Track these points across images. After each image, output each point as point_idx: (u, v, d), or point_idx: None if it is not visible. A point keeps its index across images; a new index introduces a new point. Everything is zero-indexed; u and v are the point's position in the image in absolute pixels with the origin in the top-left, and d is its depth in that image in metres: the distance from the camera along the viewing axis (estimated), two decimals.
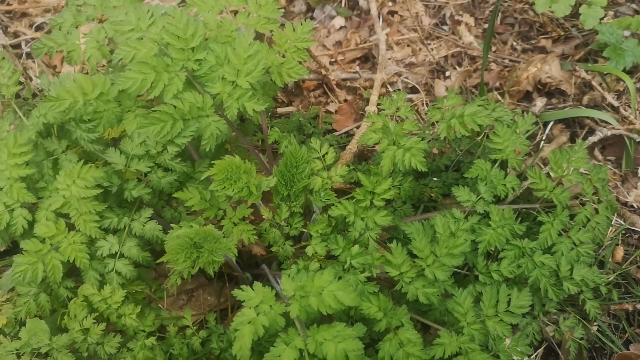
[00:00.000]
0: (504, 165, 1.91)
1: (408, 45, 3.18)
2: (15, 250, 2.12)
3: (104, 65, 2.93)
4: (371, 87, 2.92)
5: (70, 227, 1.78)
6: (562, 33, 3.13)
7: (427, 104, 2.88)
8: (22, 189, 1.77)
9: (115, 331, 1.81)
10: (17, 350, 1.72)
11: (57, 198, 1.76)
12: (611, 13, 3.10)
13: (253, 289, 1.44)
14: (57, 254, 1.75)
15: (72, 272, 1.84)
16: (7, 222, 1.76)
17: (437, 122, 1.92)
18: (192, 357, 1.81)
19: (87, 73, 2.68)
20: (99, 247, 1.81)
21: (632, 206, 2.43)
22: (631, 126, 2.56)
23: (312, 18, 3.38)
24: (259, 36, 2.22)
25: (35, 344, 1.72)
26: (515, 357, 1.65)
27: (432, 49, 3.15)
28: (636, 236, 2.33)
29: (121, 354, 1.78)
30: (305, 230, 1.83)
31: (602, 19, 2.82)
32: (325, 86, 3.00)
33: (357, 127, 2.76)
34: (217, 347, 1.79)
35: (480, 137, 2.37)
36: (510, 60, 3.03)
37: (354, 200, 1.79)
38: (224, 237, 1.64)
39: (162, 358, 1.75)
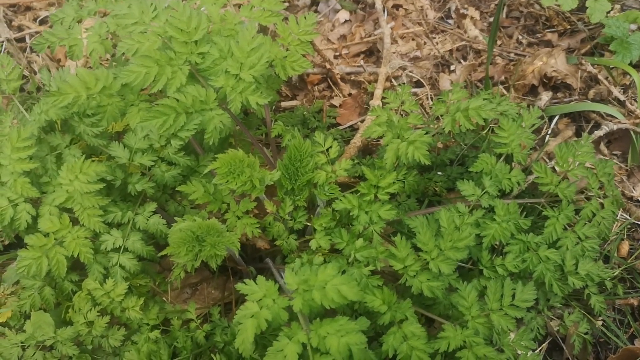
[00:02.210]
0: (509, 159, 1.90)
1: (413, 39, 3.16)
2: (19, 244, 2.13)
3: (107, 59, 2.93)
4: (375, 81, 2.90)
5: (74, 221, 1.79)
6: (568, 27, 3.11)
7: (431, 98, 2.87)
8: (26, 183, 1.77)
9: (120, 324, 1.82)
10: (22, 342, 1.72)
11: (60, 193, 1.76)
12: (617, 6, 3.08)
13: (256, 283, 1.44)
14: (61, 249, 1.75)
15: (77, 265, 1.84)
16: (11, 217, 1.76)
17: (441, 115, 1.92)
18: (196, 350, 1.81)
19: (90, 67, 2.68)
20: (103, 242, 1.81)
21: (637, 201, 2.42)
22: (637, 120, 2.54)
23: (316, 11, 3.37)
24: (262, 29, 2.22)
25: (40, 337, 1.73)
26: (519, 351, 1.64)
27: (437, 43, 3.13)
28: None
29: (125, 347, 1.78)
30: (309, 224, 1.83)
31: (608, 12, 2.80)
32: (329, 80, 2.99)
33: (362, 121, 2.75)
34: (221, 340, 1.79)
35: (485, 131, 2.36)
36: (516, 54, 3.01)
37: (358, 194, 1.78)
38: (227, 230, 1.63)
39: (166, 351, 1.75)
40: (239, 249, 1.71)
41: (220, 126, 1.73)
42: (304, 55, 1.96)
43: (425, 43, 3.14)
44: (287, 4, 3.31)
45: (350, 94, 2.93)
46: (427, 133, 1.81)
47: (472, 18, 3.21)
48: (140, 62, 1.69)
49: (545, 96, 2.71)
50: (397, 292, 1.63)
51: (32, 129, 1.80)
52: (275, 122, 2.03)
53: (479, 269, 1.77)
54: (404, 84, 2.94)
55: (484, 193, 1.82)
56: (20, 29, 3.31)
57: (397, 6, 3.33)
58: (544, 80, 2.80)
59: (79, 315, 1.76)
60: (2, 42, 3.10)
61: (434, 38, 3.16)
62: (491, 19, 3.24)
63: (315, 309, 1.39)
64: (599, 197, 1.93)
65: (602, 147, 2.60)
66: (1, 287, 1.94)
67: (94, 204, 1.77)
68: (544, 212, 1.85)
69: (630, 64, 2.67)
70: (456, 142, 2.37)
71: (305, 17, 1.97)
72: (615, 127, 2.53)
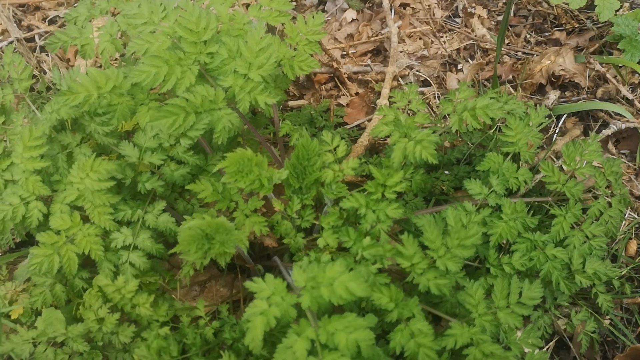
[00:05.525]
0: (516, 158, 1.90)
1: (420, 38, 3.16)
2: (30, 241, 2.15)
3: (116, 59, 2.96)
4: (383, 80, 2.91)
5: (85, 219, 1.80)
6: (577, 25, 3.10)
7: (439, 97, 2.87)
8: (38, 181, 1.79)
9: (130, 321, 1.83)
10: (33, 339, 1.75)
11: (71, 191, 1.78)
12: (627, 4, 3.07)
13: (265, 281, 1.45)
14: (72, 246, 1.77)
15: (87, 263, 1.86)
16: (22, 215, 1.78)
17: (449, 115, 1.92)
18: (205, 347, 1.83)
19: (100, 67, 2.70)
20: (114, 239, 1.82)
21: None
22: None
23: (323, 11, 3.38)
24: (270, 29, 2.23)
25: (51, 333, 1.75)
26: (526, 349, 1.65)
27: (444, 42, 3.13)
28: None
29: (135, 343, 1.80)
30: (317, 223, 1.84)
31: (617, 10, 2.79)
32: (336, 79, 3.00)
33: (369, 120, 2.76)
34: (230, 337, 1.80)
35: (492, 130, 2.36)
36: (524, 53, 3.01)
37: (366, 192, 1.79)
38: (235, 229, 1.65)
39: (175, 347, 1.77)
40: (247, 247, 1.72)
41: (229, 125, 1.74)
42: (311, 55, 1.97)
43: (432, 42, 3.14)
44: (294, 4, 3.32)
45: (357, 93, 2.94)
46: (434, 132, 1.81)
47: (479, 17, 3.21)
48: (150, 62, 1.70)
49: (553, 95, 2.71)
50: (404, 290, 1.64)
51: (44, 127, 1.82)
52: (283, 121, 2.05)
53: (486, 268, 1.78)
54: (411, 83, 2.94)
55: (491, 192, 1.83)
56: (29, 28, 3.34)
57: (404, 5, 3.33)
58: (552, 79, 2.79)
59: (89, 312, 1.78)
60: (12, 41, 3.13)
61: (442, 37, 3.16)
62: (499, 18, 3.23)
63: (323, 306, 1.40)
64: (607, 196, 1.93)
65: (610, 146, 2.60)
66: (13, 284, 1.96)
67: (105, 202, 1.79)
68: (551, 210, 1.85)
69: (639, 62, 2.66)
70: (463, 141, 2.37)
71: (313, 17, 1.98)
72: (623, 126, 2.53)
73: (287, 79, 2.10)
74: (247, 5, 2.02)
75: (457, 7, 3.30)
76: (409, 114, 1.93)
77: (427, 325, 1.54)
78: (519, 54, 3.01)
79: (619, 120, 2.58)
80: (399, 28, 3.17)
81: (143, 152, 1.88)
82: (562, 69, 2.77)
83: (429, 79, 2.95)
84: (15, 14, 3.39)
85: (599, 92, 2.73)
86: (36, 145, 1.78)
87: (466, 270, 1.74)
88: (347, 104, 2.88)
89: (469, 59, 3.04)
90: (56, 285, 1.85)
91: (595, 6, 2.77)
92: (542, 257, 1.77)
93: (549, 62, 2.80)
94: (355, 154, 2.39)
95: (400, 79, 2.95)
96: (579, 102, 2.71)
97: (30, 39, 3.28)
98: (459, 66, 3.00)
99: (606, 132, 2.50)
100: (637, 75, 2.76)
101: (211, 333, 1.84)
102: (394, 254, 1.68)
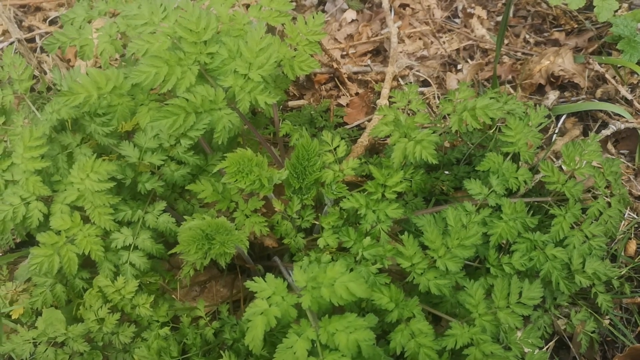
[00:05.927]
0: (516, 158, 1.90)
1: (420, 39, 3.17)
2: (30, 242, 2.15)
3: (116, 59, 2.96)
4: (382, 80, 2.91)
5: (85, 219, 1.81)
6: (576, 26, 3.11)
7: (438, 97, 2.87)
8: (38, 182, 1.79)
9: (130, 321, 1.84)
10: (33, 339, 1.75)
11: (71, 191, 1.78)
12: (625, 5, 3.07)
13: (265, 281, 1.45)
14: (72, 247, 1.77)
15: (88, 263, 1.86)
16: (23, 215, 1.78)
17: (448, 115, 1.92)
18: (205, 347, 1.83)
19: (100, 67, 2.70)
20: (114, 239, 1.83)
21: None
22: None
23: (323, 11, 3.38)
24: (270, 29, 2.23)
25: (51, 333, 1.75)
26: (526, 349, 1.65)
27: (444, 42, 3.14)
28: None
29: (135, 343, 1.80)
30: (317, 223, 1.84)
31: (616, 11, 2.79)
32: (336, 79, 3.01)
33: (369, 121, 2.76)
34: (230, 337, 1.81)
35: (492, 130, 2.36)
36: (523, 53, 3.01)
37: (366, 192, 1.79)
38: (236, 229, 1.65)
39: (175, 348, 1.77)
40: (248, 247, 1.73)
41: (229, 126, 1.75)
42: (311, 55, 1.98)
43: (432, 42, 3.15)
44: (294, 4, 3.33)
45: (357, 94, 2.94)
46: (434, 132, 1.81)
47: (479, 17, 3.21)
48: (150, 62, 1.70)
49: (552, 95, 2.71)
50: (404, 290, 1.65)
51: (44, 128, 1.82)
52: (283, 121, 2.05)
53: (486, 268, 1.78)
54: (411, 83, 2.95)
55: (491, 192, 1.83)
56: (30, 29, 3.35)
57: (404, 5, 3.33)
58: (551, 79, 2.80)
59: (89, 312, 1.78)
60: (13, 42, 3.13)
61: (441, 37, 3.17)
62: (498, 18, 3.24)
63: (324, 306, 1.40)
64: (606, 196, 1.93)
65: (610, 146, 2.60)
66: (13, 284, 1.96)
67: (105, 203, 1.79)
68: (550, 210, 1.86)
69: (638, 62, 2.67)
70: (463, 141, 2.37)
71: (313, 17, 1.98)
72: (622, 126, 2.53)
73: (287, 79, 2.10)
74: (247, 6, 2.02)
75: (456, 8, 3.30)
76: (409, 114, 1.93)
77: (428, 326, 1.54)
78: (519, 54, 3.01)
79: (618, 120, 2.58)
80: (398, 28, 3.17)
81: (143, 152, 1.88)
82: (561, 70, 2.78)
83: (428, 79, 2.95)
84: (16, 14, 3.39)
85: (598, 92, 2.74)
86: (36, 145, 1.78)
87: (466, 270, 1.74)
88: (347, 104, 2.89)
89: (469, 59, 3.05)
90: (56, 286, 1.85)
91: (594, 7, 2.77)
92: (542, 257, 1.77)
93: (548, 62, 2.80)
94: (355, 154, 2.40)
95: (400, 79, 2.95)
96: (578, 102, 2.71)
97: (31, 40, 3.29)
98: (459, 66, 3.00)
99: (605, 132, 2.51)
100: (636, 75, 2.77)
101: (211, 333, 1.84)
102: (394, 254, 1.68)
